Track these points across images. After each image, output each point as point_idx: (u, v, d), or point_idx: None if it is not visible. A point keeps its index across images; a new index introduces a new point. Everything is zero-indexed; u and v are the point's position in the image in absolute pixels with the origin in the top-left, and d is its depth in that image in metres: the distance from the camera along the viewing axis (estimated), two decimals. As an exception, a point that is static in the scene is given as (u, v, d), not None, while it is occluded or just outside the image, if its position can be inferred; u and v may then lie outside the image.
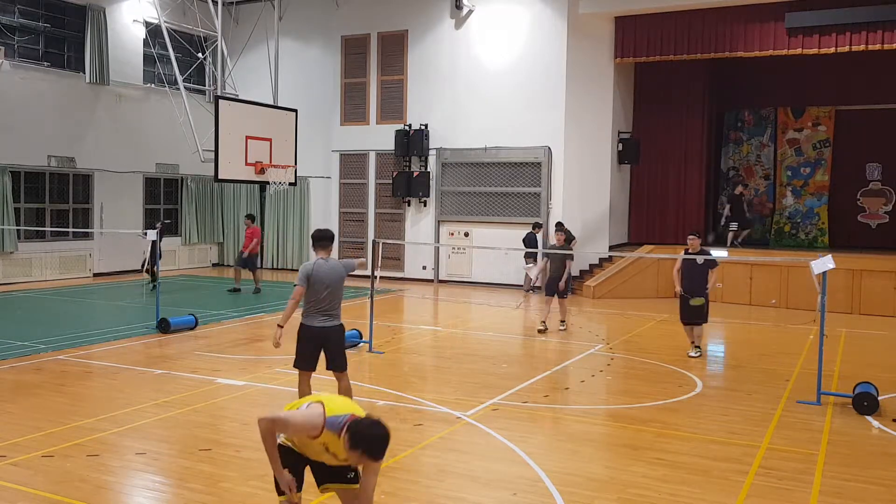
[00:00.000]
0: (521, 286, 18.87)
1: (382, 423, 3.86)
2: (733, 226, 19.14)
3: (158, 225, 17.18)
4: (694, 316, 11.05)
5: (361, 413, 4.01)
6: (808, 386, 9.05)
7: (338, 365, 7.22)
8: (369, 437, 3.80)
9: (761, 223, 21.03)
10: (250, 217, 18.07)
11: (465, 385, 9.14)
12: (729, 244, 18.80)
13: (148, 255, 16.84)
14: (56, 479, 5.88)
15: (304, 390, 7.18)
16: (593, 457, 6.69)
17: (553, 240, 14.70)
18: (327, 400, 4.07)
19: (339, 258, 22.43)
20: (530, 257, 18.23)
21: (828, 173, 20.51)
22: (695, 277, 10.98)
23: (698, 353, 11.04)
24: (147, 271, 17.34)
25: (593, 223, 19.06)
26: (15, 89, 18.24)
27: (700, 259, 10.89)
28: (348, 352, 10.93)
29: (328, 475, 4.28)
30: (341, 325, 7.22)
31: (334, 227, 21.78)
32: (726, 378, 10.09)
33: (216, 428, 7.32)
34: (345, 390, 7.23)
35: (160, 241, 16.10)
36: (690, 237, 11.34)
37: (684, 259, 11.11)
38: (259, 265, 17.93)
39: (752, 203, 20.67)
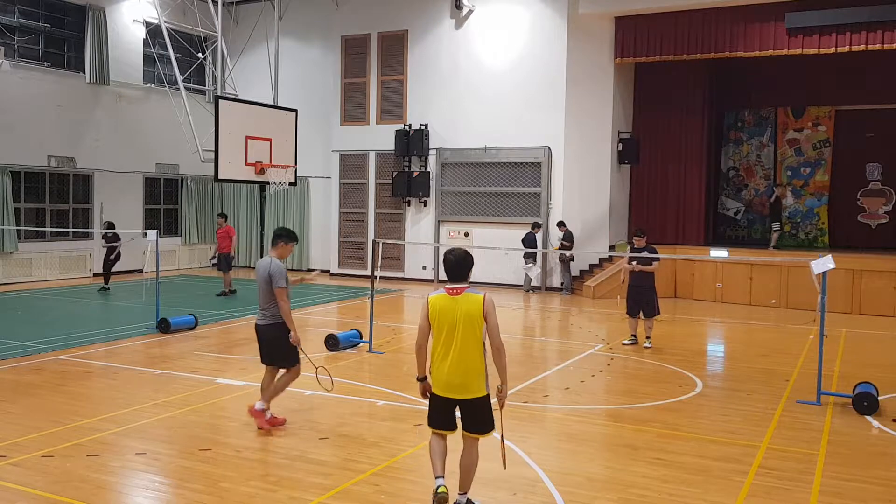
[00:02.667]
0: (521, 286, 18.88)
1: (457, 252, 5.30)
2: (776, 226, 19.11)
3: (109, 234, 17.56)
4: (641, 310, 11.70)
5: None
6: (808, 386, 9.05)
7: (270, 359, 7.33)
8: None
9: (762, 223, 21.03)
10: (223, 216, 17.90)
11: (465, 385, 9.12)
12: (774, 245, 18.78)
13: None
14: (56, 479, 5.88)
15: (265, 382, 7.37)
16: (593, 457, 6.69)
17: (637, 243, 13.34)
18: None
19: (339, 258, 22.50)
20: (529, 257, 18.26)
21: (828, 173, 20.50)
22: (641, 274, 11.65)
23: (649, 344, 11.65)
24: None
25: (593, 223, 19.05)
26: (15, 89, 18.25)
27: (645, 253, 11.52)
28: (349, 351, 10.95)
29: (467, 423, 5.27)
30: (271, 324, 7.17)
31: (334, 228, 21.81)
32: (726, 378, 10.09)
33: (216, 428, 7.32)
34: (270, 384, 7.27)
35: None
36: (636, 237, 11.91)
37: (631, 256, 11.72)
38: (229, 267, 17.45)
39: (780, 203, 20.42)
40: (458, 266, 5.27)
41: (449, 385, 5.18)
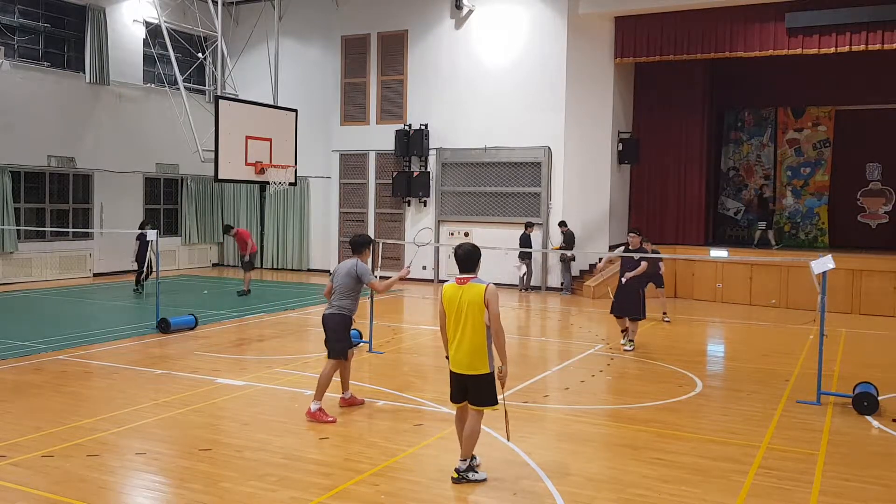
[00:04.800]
0: (519, 286, 18.88)
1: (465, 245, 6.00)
2: (761, 224, 19.12)
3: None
4: (625, 310, 11.52)
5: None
6: (808, 386, 9.05)
7: (326, 344, 7.89)
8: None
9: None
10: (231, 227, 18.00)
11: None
12: (757, 243, 18.75)
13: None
14: (56, 479, 5.88)
15: (344, 375, 8.01)
16: (593, 457, 6.69)
17: (632, 243, 11.77)
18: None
19: (339, 258, 22.46)
20: (521, 257, 18.34)
21: (828, 173, 20.50)
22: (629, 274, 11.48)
23: (631, 347, 11.43)
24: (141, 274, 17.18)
25: (593, 223, 19.06)
26: (15, 89, 18.24)
27: (636, 256, 11.41)
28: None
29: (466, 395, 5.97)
30: (335, 313, 7.80)
31: (334, 228, 21.81)
32: (726, 378, 10.09)
33: (216, 428, 7.32)
34: (322, 376, 7.72)
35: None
36: (631, 235, 11.77)
37: (622, 255, 11.61)
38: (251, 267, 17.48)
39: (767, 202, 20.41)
40: (466, 259, 5.96)
41: (458, 363, 5.91)
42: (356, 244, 8.01)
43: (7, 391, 8.52)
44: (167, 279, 17.73)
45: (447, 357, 6.07)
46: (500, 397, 5.98)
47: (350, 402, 8.02)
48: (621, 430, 7.49)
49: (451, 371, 6.00)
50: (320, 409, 7.51)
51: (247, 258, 17.13)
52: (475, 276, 5.92)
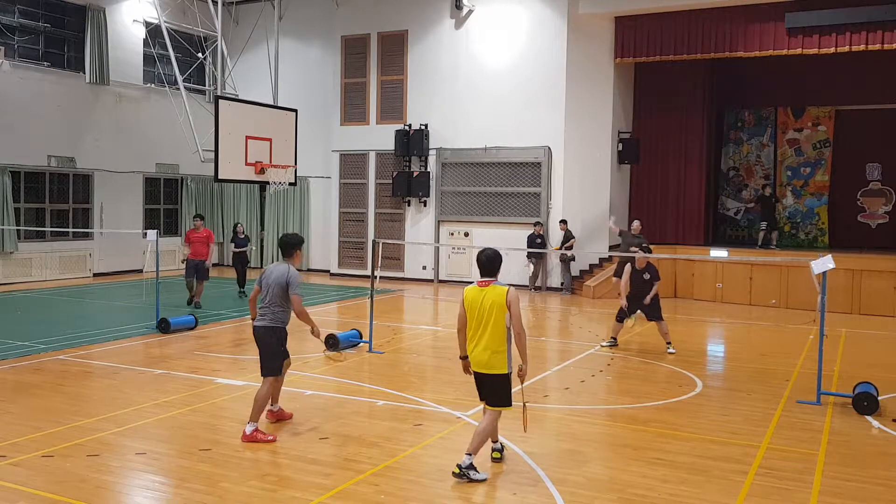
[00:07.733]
0: (523, 285, 18.88)
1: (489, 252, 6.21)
2: (762, 225, 19.13)
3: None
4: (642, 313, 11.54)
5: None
6: (808, 386, 9.05)
7: (261, 366, 7.19)
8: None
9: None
10: (200, 217, 15.81)
11: (465, 385, 9.08)
12: (761, 244, 18.76)
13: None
14: (56, 479, 5.88)
15: (275, 387, 7.40)
16: (593, 457, 6.69)
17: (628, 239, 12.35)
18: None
19: (339, 258, 22.45)
20: (529, 257, 18.33)
21: (828, 173, 20.49)
22: (638, 284, 11.43)
23: (673, 350, 11.36)
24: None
25: (593, 223, 19.05)
26: (15, 89, 18.24)
27: (646, 275, 11.40)
28: (348, 352, 10.93)
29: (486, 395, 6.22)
30: (267, 327, 7.10)
31: (334, 228, 21.81)
32: (726, 378, 10.09)
33: (216, 428, 7.32)
34: (259, 396, 7.02)
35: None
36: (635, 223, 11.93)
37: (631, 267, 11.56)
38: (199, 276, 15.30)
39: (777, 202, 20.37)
40: (489, 263, 6.18)
41: (478, 362, 6.13)
42: (287, 245, 7.20)
43: (7, 391, 8.52)
44: (167, 279, 17.69)
45: (461, 357, 6.27)
46: (518, 388, 6.24)
47: (279, 416, 7.46)
48: (621, 430, 7.49)
49: (474, 371, 6.24)
50: (256, 430, 6.88)
51: (208, 264, 15.24)
52: (495, 280, 6.14)
